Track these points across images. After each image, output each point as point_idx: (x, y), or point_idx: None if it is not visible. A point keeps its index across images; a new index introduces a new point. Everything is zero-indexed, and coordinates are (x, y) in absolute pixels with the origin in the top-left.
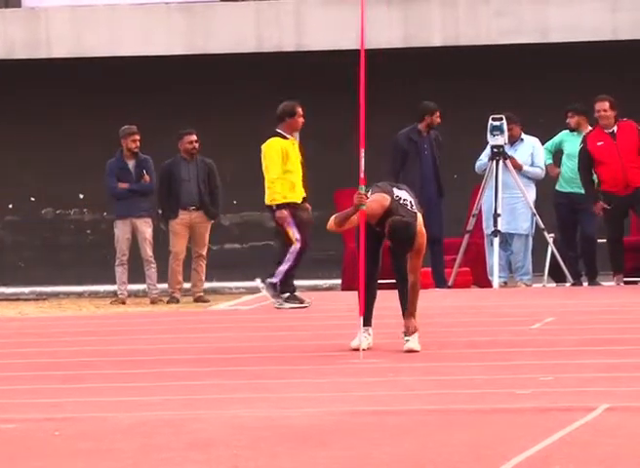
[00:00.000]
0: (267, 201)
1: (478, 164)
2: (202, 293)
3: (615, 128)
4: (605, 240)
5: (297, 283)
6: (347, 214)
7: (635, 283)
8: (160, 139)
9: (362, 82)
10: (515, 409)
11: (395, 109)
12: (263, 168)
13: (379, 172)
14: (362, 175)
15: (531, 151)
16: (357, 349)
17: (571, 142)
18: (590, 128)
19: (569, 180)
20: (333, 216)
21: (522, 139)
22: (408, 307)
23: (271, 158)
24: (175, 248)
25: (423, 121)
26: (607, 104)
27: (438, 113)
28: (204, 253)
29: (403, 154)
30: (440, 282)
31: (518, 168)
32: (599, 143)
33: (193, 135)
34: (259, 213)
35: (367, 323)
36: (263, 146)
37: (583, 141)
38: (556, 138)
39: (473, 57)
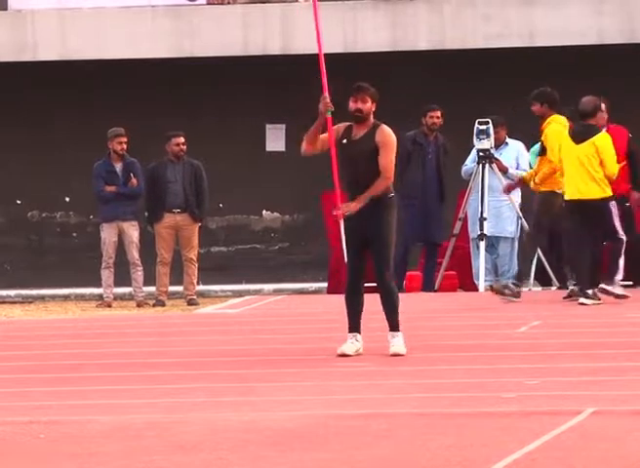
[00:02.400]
0: (606, 194)
1: (464, 169)
2: (194, 297)
3: (604, 129)
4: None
5: (283, 286)
6: (315, 126)
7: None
8: (147, 142)
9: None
10: (501, 412)
11: (382, 112)
12: (590, 164)
13: None
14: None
15: (516, 155)
16: (343, 355)
17: None
18: None
19: None
20: (304, 141)
21: (507, 143)
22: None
23: (611, 153)
24: (160, 251)
25: (422, 123)
26: (602, 105)
27: (433, 113)
28: (192, 256)
29: (406, 156)
30: (429, 285)
31: (503, 170)
32: None
33: (181, 137)
34: (245, 216)
35: (353, 329)
36: (600, 142)
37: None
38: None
39: (460, 60)
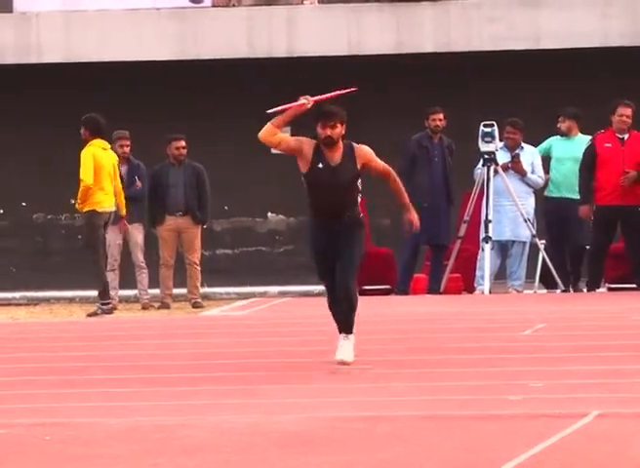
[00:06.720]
0: None
1: (477, 172)
2: (199, 300)
3: (626, 135)
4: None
5: (288, 288)
6: (288, 114)
7: (621, 290)
8: (151, 145)
9: None
10: (506, 415)
11: (387, 115)
12: None
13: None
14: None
15: (531, 160)
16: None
17: (559, 147)
18: (580, 134)
19: (558, 185)
20: (269, 124)
21: (522, 147)
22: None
23: None
24: (162, 254)
25: (425, 126)
26: (630, 111)
27: (435, 116)
28: (195, 259)
29: (412, 158)
30: (435, 288)
31: (522, 173)
32: (607, 145)
33: (182, 140)
34: (250, 218)
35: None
36: None
37: (592, 141)
38: (544, 144)
39: (465, 63)
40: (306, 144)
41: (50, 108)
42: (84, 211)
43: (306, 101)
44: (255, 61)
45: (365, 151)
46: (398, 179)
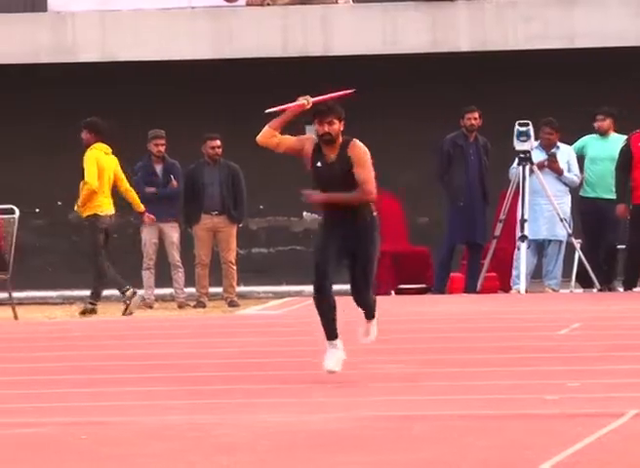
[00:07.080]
0: None
1: (512, 171)
2: (235, 298)
3: None
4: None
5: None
6: (286, 115)
7: None
8: (186, 144)
9: None
10: (543, 414)
11: (422, 113)
12: None
13: (405, 175)
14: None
15: (567, 159)
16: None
17: (593, 147)
18: (614, 133)
19: (592, 185)
20: (266, 126)
21: (558, 147)
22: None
23: None
24: (198, 253)
25: (461, 125)
26: None
27: (470, 115)
28: (231, 258)
29: (448, 158)
30: (471, 287)
31: (559, 172)
32: None
33: (217, 140)
34: (285, 217)
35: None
36: None
37: (628, 140)
38: (578, 143)
39: (500, 62)
40: (308, 143)
41: (85, 107)
42: (85, 214)
43: (306, 102)
44: (289, 60)
45: (357, 149)
46: (360, 197)
